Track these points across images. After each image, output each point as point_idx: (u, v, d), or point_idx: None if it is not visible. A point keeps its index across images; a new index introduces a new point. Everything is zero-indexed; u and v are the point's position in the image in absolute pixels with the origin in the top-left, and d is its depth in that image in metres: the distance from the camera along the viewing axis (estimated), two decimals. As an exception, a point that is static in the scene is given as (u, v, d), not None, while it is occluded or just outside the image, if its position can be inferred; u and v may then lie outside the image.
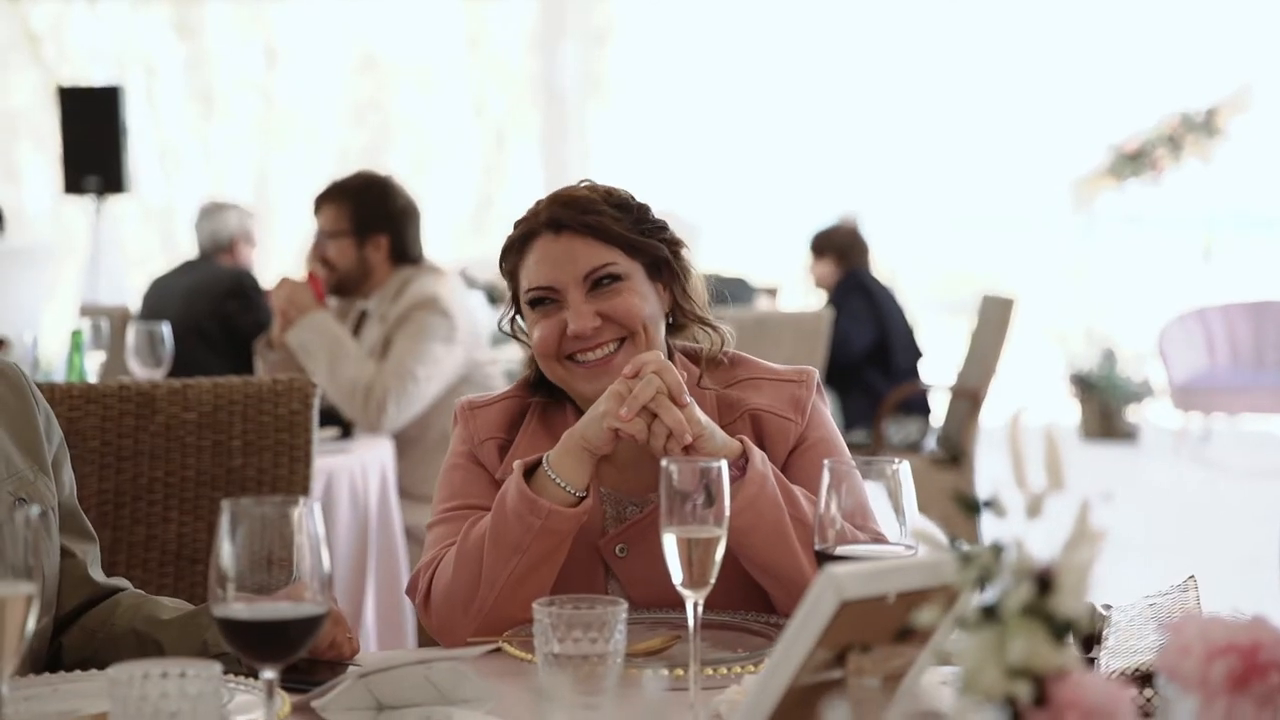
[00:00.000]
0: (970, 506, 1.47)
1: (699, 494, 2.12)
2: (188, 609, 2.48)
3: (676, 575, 2.13)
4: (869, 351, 8.20)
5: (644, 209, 2.76)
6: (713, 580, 2.14)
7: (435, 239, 16.22)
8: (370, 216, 5.34)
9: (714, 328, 2.80)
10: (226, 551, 1.80)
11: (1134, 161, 13.18)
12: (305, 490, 3.77)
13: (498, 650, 2.46)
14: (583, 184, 2.79)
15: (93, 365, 5.03)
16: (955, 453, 7.80)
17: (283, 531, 1.80)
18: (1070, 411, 13.20)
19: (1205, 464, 12.00)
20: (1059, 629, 1.37)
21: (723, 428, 2.67)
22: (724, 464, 2.14)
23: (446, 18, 16.52)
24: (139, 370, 4.94)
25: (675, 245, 2.78)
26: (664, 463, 2.12)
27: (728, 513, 2.14)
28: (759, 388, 2.76)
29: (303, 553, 1.81)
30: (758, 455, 2.57)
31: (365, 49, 16.75)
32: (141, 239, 16.20)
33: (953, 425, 7.99)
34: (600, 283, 2.68)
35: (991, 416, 8.07)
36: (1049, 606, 1.38)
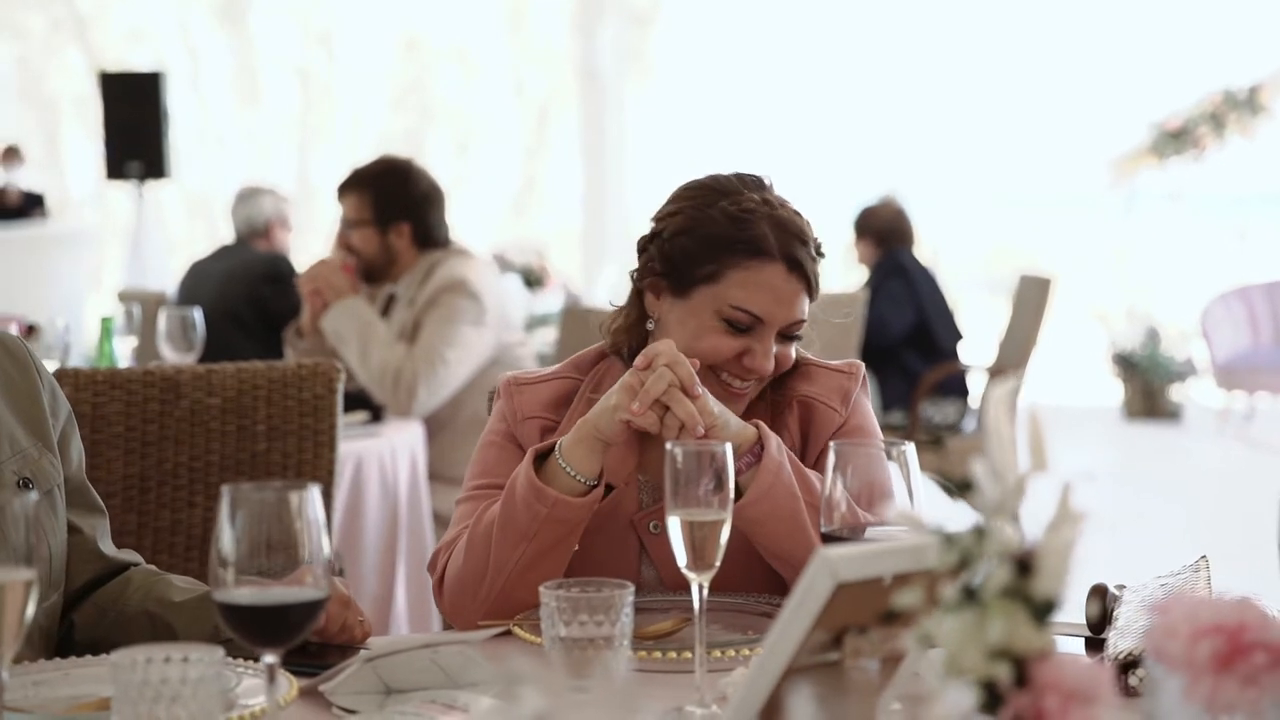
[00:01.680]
0: (952, 489, 1.47)
1: (704, 477, 2.12)
2: (200, 590, 2.47)
3: (681, 558, 2.13)
4: (907, 335, 8.16)
5: (819, 245, 2.71)
6: (717, 563, 2.14)
7: (477, 221, 16.30)
8: (391, 204, 5.34)
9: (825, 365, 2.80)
10: (227, 536, 1.80)
11: (1176, 139, 13.10)
12: (330, 474, 3.78)
13: (508, 633, 2.47)
14: (789, 207, 2.70)
15: (125, 350, 5.05)
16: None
17: (282, 516, 1.81)
18: (1113, 391, 13.16)
19: (1249, 443, 11.95)
20: (1040, 611, 1.37)
21: (774, 414, 2.70)
22: (729, 446, 2.14)
23: (486, 1, 16.55)
24: (170, 355, 4.96)
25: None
26: (668, 446, 2.12)
27: (732, 495, 2.14)
28: (810, 376, 2.76)
29: (302, 537, 1.81)
30: (773, 443, 2.57)
31: (406, 32, 16.80)
32: (186, 223, 16.29)
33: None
34: (790, 335, 2.67)
35: (1030, 397, 8.04)
36: (1029, 588, 1.38)
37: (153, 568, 2.60)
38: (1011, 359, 7.91)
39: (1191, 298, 13.53)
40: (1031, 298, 7.95)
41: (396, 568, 4.82)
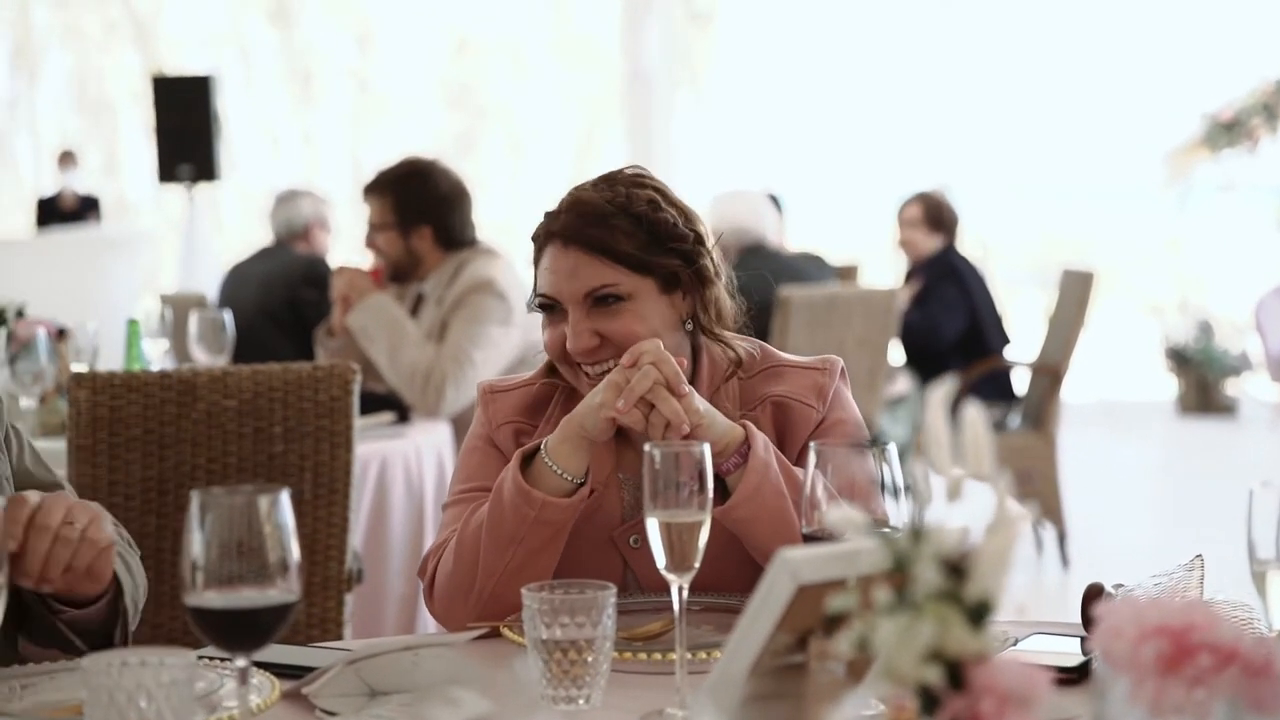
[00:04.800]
0: (893, 491, 1.46)
1: (682, 477, 2.12)
2: None
3: (660, 559, 2.13)
4: (958, 339, 8.13)
5: (662, 221, 2.68)
6: (696, 564, 2.13)
7: (530, 220, 16.20)
8: (411, 208, 5.36)
9: (730, 346, 2.74)
10: (196, 540, 1.81)
11: (1229, 131, 13.00)
12: (347, 476, 3.80)
13: (491, 634, 2.48)
14: (627, 170, 2.75)
15: (156, 353, 5.08)
16: (1035, 427, 7.75)
17: (251, 521, 1.81)
18: (1167, 386, 13.08)
19: (1306, 438, 11.86)
20: (974, 614, 1.36)
21: (744, 416, 2.67)
22: (707, 447, 2.13)
23: (537, 1, 16.57)
24: (201, 357, 4.99)
25: (697, 257, 2.70)
26: (647, 447, 2.12)
27: (711, 496, 2.13)
28: (781, 376, 2.74)
29: (272, 542, 1.82)
30: (760, 442, 2.56)
31: (458, 33, 16.83)
32: (240, 224, 16.37)
33: (1033, 401, 7.93)
34: (601, 301, 2.64)
35: (1073, 392, 8.00)
36: (963, 591, 1.37)
37: None
38: (1054, 355, 7.87)
39: (1245, 291, 13.42)
40: (1074, 293, 7.90)
41: (423, 570, 4.82)
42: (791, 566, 1.71)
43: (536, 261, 2.72)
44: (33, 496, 2.22)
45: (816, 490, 2.19)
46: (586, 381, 2.67)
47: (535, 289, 2.72)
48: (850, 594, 1.42)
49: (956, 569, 1.38)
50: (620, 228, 2.64)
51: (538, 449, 2.60)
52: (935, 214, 8.46)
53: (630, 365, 2.54)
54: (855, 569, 1.72)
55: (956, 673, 1.36)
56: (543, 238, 2.70)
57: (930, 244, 8.43)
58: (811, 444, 2.20)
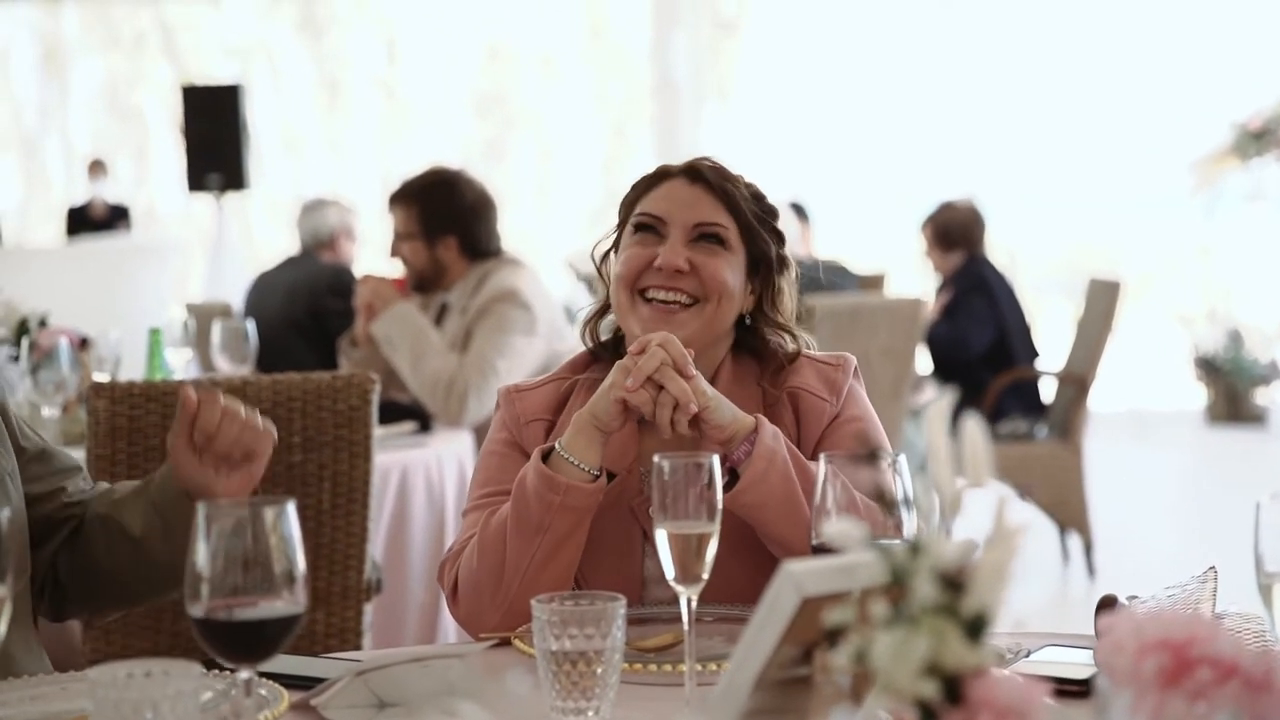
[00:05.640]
0: (888, 503, 1.45)
1: (691, 489, 2.12)
2: (135, 484, 2.64)
3: (669, 571, 2.12)
4: (986, 352, 8.10)
5: (775, 210, 2.84)
6: (705, 576, 2.13)
7: (559, 229, 16.32)
8: (437, 217, 5.38)
9: (793, 335, 2.83)
10: (201, 552, 1.81)
11: (1259, 140, 12.95)
12: (365, 485, 3.80)
13: (503, 645, 2.48)
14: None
15: (180, 362, 5.09)
16: (1063, 437, 7.73)
17: (256, 532, 1.82)
18: (1196, 395, 13.03)
19: (1336, 447, 11.82)
20: (971, 628, 1.36)
21: (766, 410, 2.71)
22: (716, 459, 2.14)
23: (568, 7, 16.58)
24: (225, 366, 5.00)
25: (783, 255, 2.84)
26: (656, 458, 2.13)
27: (720, 507, 2.13)
28: (798, 369, 2.79)
29: (277, 553, 1.82)
30: (768, 431, 2.59)
31: (487, 41, 16.84)
32: (269, 233, 16.40)
33: (1060, 411, 7.91)
34: (705, 238, 2.74)
35: (1103, 402, 7.97)
36: (960, 605, 1.36)
37: (105, 484, 2.72)
38: (1081, 364, 7.85)
39: (1275, 300, 13.38)
40: (1101, 302, 7.88)
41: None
42: (796, 579, 1.70)
43: (638, 197, 2.80)
44: (220, 394, 2.52)
45: (827, 501, 2.18)
46: (646, 312, 2.72)
47: (632, 215, 2.79)
48: (848, 607, 1.41)
49: (954, 583, 1.37)
50: (741, 193, 2.79)
51: (553, 448, 2.61)
52: (944, 233, 8.45)
53: (639, 351, 2.60)
54: (860, 582, 1.71)
55: (954, 687, 1.36)
56: (659, 176, 2.80)
57: (950, 261, 8.43)
58: (822, 455, 2.20)
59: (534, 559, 2.56)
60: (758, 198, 2.81)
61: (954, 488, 1.44)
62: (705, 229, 2.73)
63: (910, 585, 1.38)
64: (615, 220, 2.87)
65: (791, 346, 2.81)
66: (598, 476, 2.59)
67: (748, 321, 2.83)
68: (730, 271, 2.73)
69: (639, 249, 2.74)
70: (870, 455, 1.41)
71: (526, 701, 1.73)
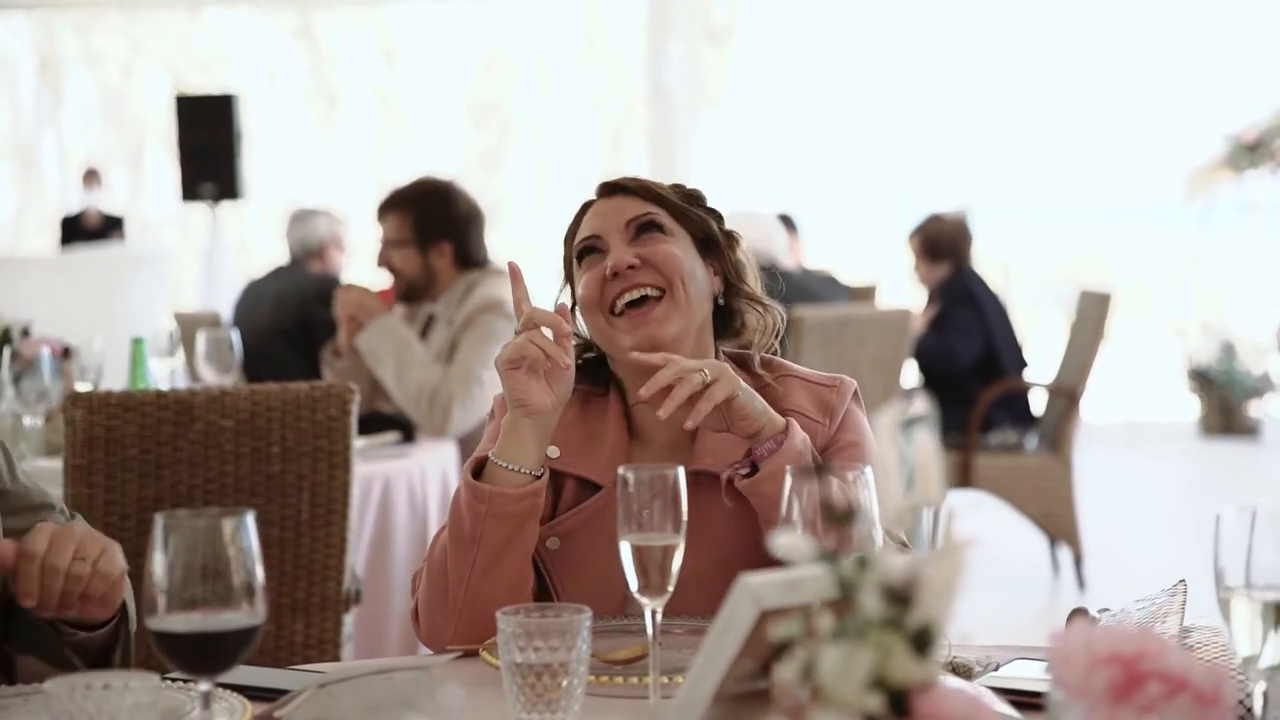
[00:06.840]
0: (838, 517, 1.45)
1: (656, 500, 2.11)
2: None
3: (633, 582, 2.12)
4: (974, 365, 8.09)
5: (699, 194, 2.86)
6: (670, 588, 2.12)
7: (555, 240, 16.24)
8: (432, 224, 5.38)
9: (764, 305, 2.82)
10: (159, 563, 1.80)
11: (1252, 152, 12.94)
12: (345, 496, 3.80)
13: (468, 656, 2.47)
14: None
15: (164, 372, 5.09)
16: (1052, 449, 7.72)
17: (215, 544, 1.81)
18: (1189, 407, 13.02)
19: (1328, 460, 11.81)
20: (919, 641, 1.35)
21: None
22: (681, 470, 2.13)
23: (564, 17, 16.57)
24: (209, 376, 4.99)
25: (728, 231, 2.85)
26: (621, 470, 2.11)
27: (685, 519, 2.12)
28: (790, 389, 2.75)
29: (236, 565, 1.81)
30: (798, 435, 2.58)
31: (484, 50, 16.84)
32: (263, 242, 16.39)
33: (1050, 422, 7.90)
34: (643, 229, 2.74)
35: (1096, 413, 7.96)
36: (907, 619, 1.36)
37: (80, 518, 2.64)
38: (1071, 376, 7.84)
39: (1268, 312, 13.37)
40: (1092, 313, 7.88)
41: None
42: (754, 591, 1.70)
43: (572, 236, 2.81)
44: (41, 542, 2.29)
45: (793, 513, 2.17)
46: (622, 324, 2.70)
47: (575, 246, 2.79)
48: (796, 621, 1.40)
49: (901, 596, 1.36)
50: (660, 186, 2.82)
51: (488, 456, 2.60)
52: (931, 244, 8.43)
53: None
54: (818, 594, 1.71)
55: (900, 700, 1.35)
56: (580, 210, 2.83)
57: (937, 273, 8.40)
58: (788, 467, 2.19)
59: (474, 569, 2.53)
60: (677, 188, 2.83)
61: (900, 500, 1.43)
62: (638, 220, 2.74)
63: (857, 599, 1.38)
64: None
65: (762, 326, 2.80)
66: (539, 477, 2.56)
67: (721, 302, 2.81)
68: (680, 250, 2.73)
69: (590, 272, 2.73)
70: (820, 468, 1.41)
71: (461, 716, 1.72)
